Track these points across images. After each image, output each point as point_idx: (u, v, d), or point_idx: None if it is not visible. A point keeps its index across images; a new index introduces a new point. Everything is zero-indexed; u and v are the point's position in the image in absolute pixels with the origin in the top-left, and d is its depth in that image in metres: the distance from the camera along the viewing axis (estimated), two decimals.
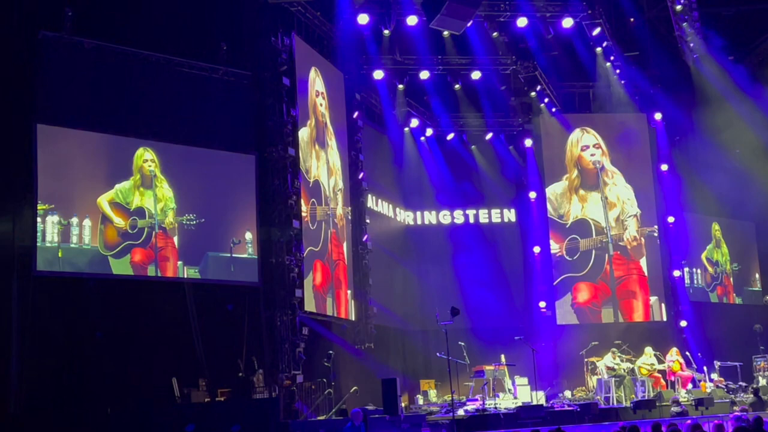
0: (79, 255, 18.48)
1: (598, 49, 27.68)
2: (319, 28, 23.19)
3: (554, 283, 28.01)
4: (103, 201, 18.88)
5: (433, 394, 24.02)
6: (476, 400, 22.45)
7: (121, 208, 19.13)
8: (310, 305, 20.89)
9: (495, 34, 26.38)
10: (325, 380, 20.50)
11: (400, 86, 26.71)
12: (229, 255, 20.29)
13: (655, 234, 28.59)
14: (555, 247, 28.11)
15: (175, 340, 19.25)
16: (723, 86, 27.21)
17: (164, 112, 20.12)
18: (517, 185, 29.40)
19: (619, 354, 23.99)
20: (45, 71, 18.28)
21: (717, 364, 24.90)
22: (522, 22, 25.61)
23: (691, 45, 27.00)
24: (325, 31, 23.47)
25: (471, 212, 29.51)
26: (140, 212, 19.40)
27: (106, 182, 19.05)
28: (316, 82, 22.68)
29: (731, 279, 31.17)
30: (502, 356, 23.69)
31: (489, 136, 29.31)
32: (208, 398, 18.68)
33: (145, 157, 19.67)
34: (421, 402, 23.68)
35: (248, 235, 20.52)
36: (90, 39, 19.02)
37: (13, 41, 17.86)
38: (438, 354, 21.51)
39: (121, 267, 18.97)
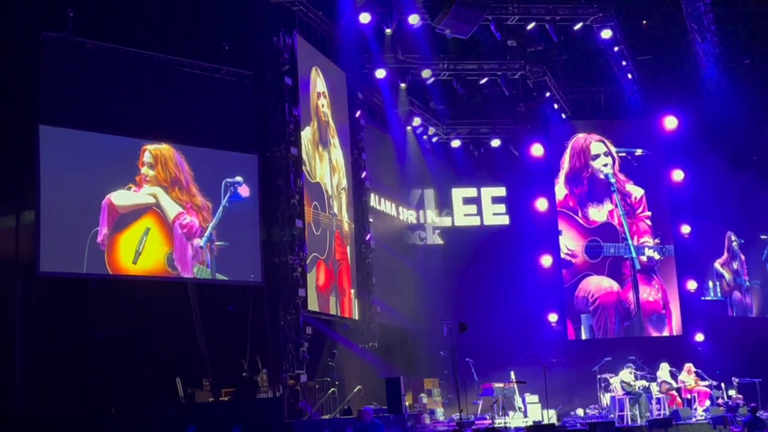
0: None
1: (610, 53, 28.39)
2: (321, 27, 24.05)
3: (565, 286, 29.33)
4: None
5: (436, 392, 24.96)
6: (484, 418, 23.39)
7: None
8: (313, 305, 21.85)
9: (504, 38, 27.16)
10: (329, 380, 21.52)
11: (402, 85, 27.62)
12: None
13: (672, 254, 29.82)
14: (575, 246, 29.57)
15: (178, 339, 20.23)
16: (738, 90, 28.29)
17: (166, 113, 21.07)
18: (526, 193, 30.45)
19: (634, 370, 24.57)
20: (47, 72, 19.18)
21: (735, 380, 25.49)
22: (531, 25, 26.59)
23: (705, 48, 27.51)
24: (327, 30, 24.33)
25: (477, 220, 30.90)
26: None
27: (108, 183, 20.06)
28: (318, 82, 23.61)
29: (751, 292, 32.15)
30: (512, 373, 24.60)
31: (496, 142, 30.53)
32: (212, 398, 19.65)
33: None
34: (425, 400, 24.49)
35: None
36: (92, 40, 19.92)
37: (14, 42, 18.86)
38: (441, 353, 22.70)
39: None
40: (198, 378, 20.05)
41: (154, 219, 20.84)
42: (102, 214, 19.91)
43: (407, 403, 22.18)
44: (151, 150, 20.91)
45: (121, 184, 20.38)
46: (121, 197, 20.27)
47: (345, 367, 23.31)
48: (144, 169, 20.72)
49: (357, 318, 25.03)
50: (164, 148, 21.15)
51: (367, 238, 26.07)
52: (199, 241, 21.35)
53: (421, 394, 25.05)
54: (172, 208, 21.11)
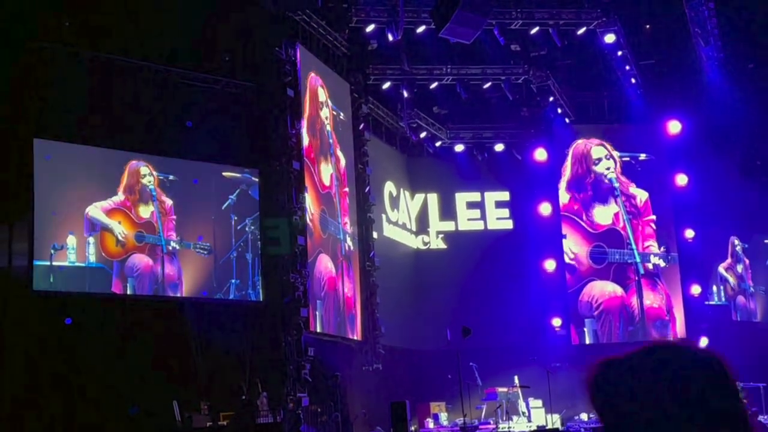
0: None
1: (613, 58, 27.53)
2: (325, 37, 23.13)
3: (569, 291, 28.20)
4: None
5: (443, 417, 24.01)
6: (488, 423, 22.62)
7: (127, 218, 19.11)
8: (316, 325, 20.80)
9: (507, 42, 26.22)
10: (332, 403, 20.39)
11: (407, 95, 26.63)
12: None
13: (676, 261, 28.66)
14: (579, 250, 28.40)
15: (175, 361, 19.14)
16: (742, 94, 27.22)
17: (164, 125, 20.10)
18: (530, 197, 29.36)
19: None
20: (41, 83, 18.16)
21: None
22: (535, 30, 25.66)
23: (709, 52, 26.79)
24: (331, 40, 23.43)
25: (480, 224, 29.72)
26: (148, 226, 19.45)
27: (101, 197, 18.92)
28: (321, 93, 22.65)
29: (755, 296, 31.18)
30: (516, 377, 23.80)
31: (500, 147, 29.46)
32: (210, 422, 18.39)
33: (143, 173, 19.59)
34: (431, 426, 23.67)
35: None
36: (88, 50, 18.93)
37: (8, 52, 17.71)
38: (449, 376, 21.38)
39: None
40: (196, 401, 18.73)
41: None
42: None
43: (413, 428, 21.53)
44: (150, 167, 19.76)
45: (111, 197, 19.18)
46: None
47: (348, 390, 22.09)
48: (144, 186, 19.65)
49: (361, 339, 23.91)
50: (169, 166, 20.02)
51: (371, 254, 24.83)
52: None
53: (427, 419, 24.16)
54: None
